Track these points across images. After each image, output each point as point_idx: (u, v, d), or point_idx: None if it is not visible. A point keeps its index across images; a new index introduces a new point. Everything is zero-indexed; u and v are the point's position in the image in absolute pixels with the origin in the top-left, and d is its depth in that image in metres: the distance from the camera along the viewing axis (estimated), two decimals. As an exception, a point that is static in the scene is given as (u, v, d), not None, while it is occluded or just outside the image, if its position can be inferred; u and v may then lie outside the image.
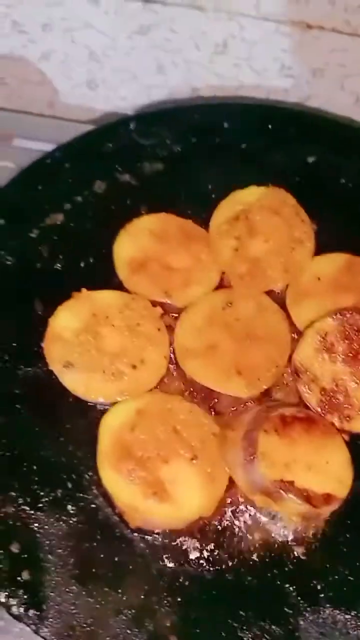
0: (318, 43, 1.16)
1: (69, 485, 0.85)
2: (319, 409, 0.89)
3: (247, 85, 1.27)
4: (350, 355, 0.91)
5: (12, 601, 0.76)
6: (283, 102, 1.26)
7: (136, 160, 1.09)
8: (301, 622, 0.77)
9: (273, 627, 0.76)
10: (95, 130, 1.13)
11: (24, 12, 1.22)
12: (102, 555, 0.80)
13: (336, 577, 0.80)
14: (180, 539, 0.82)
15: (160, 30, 1.21)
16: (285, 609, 0.78)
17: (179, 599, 0.78)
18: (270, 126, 1.14)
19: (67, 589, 0.77)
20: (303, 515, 0.82)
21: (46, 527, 0.81)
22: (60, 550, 0.80)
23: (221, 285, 1.00)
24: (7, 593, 0.76)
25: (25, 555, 0.79)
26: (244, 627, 0.76)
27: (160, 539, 0.82)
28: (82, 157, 1.08)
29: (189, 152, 1.10)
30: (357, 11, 1.11)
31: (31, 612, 0.75)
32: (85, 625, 0.75)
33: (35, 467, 0.85)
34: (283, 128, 1.13)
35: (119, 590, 0.78)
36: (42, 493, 0.83)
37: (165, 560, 0.81)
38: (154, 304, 0.97)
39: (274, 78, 1.25)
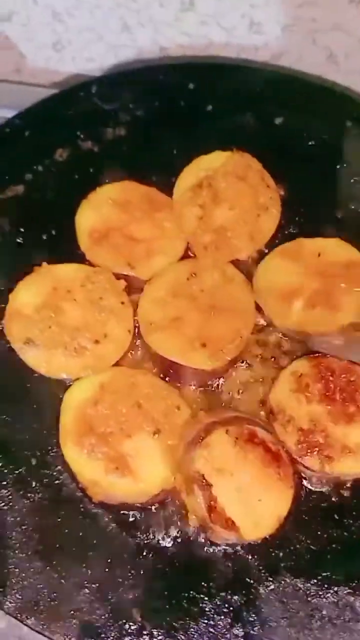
0: (287, -1, 1.12)
1: (33, 461, 0.85)
2: (296, 450, 0.85)
3: (217, 43, 1.23)
4: (327, 395, 0.88)
5: (-24, 578, 0.77)
6: (252, 62, 1.22)
7: (98, 125, 1.07)
8: (262, 591, 0.78)
9: (235, 597, 0.77)
10: (56, 95, 1.10)
11: (-18, -29, 1.18)
12: (66, 531, 0.81)
13: (297, 546, 0.81)
14: (143, 512, 0.83)
15: (125, -13, 1.17)
16: (247, 579, 0.79)
17: (141, 572, 0.79)
18: (237, 87, 1.10)
19: (31, 565, 0.78)
20: (201, 521, 0.81)
21: (10, 503, 0.82)
22: (24, 527, 0.81)
23: (186, 256, 0.99)
24: (-30, 570, 0.77)
25: (-11, 532, 0.79)
26: (206, 598, 0.77)
27: (123, 513, 0.83)
28: (42, 124, 1.06)
29: (152, 116, 1.07)
30: None
31: (-5, 588, 0.76)
32: (49, 599, 0.76)
33: (-3, 445, 0.85)
34: (250, 88, 1.10)
35: (83, 565, 0.79)
36: (5, 470, 0.84)
37: (129, 534, 0.81)
38: (118, 276, 0.95)
39: (244, 36, 1.21)
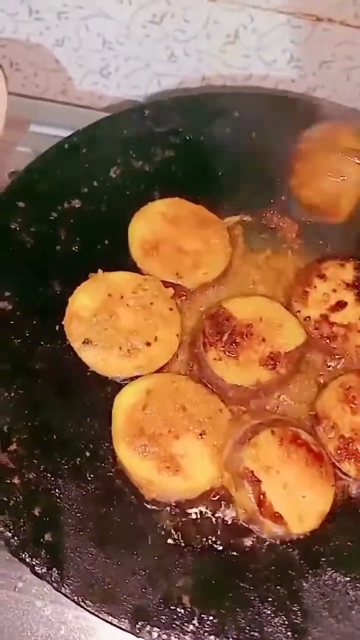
0: (326, 36, 1.20)
1: (87, 454, 0.89)
2: (335, 455, 0.90)
3: (256, 75, 1.31)
4: None
5: (36, 561, 0.81)
6: (291, 92, 1.30)
7: (150, 146, 1.13)
8: (304, 584, 0.82)
9: (278, 587, 0.82)
10: (111, 117, 1.17)
11: (41, -1, 1.26)
12: (118, 520, 0.85)
13: (337, 543, 0.85)
14: (193, 508, 0.88)
15: (174, 20, 1.24)
16: (289, 571, 0.83)
17: (190, 563, 0.83)
18: (278, 117, 1.17)
19: (86, 550, 0.82)
20: (249, 514, 0.85)
21: (66, 492, 0.86)
22: (79, 515, 0.85)
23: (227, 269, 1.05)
24: (30, 553, 0.81)
25: (47, 519, 0.83)
26: (251, 588, 0.81)
27: (173, 509, 0.88)
28: (98, 142, 1.12)
29: (200, 140, 1.14)
30: None
31: (53, 571, 0.80)
32: (103, 583, 0.80)
33: (55, 437, 0.90)
34: (291, 117, 1.17)
35: (134, 553, 0.83)
36: (62, 461, 0.88)
37: (178, 525, 0.86)
38: (166, 285, 1.01)
39: (282, 69, 1.29)
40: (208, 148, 1.13)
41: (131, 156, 1.12)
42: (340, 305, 1.01)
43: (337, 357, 1.00)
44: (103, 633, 0.89)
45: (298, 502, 0.84)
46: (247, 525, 0.86)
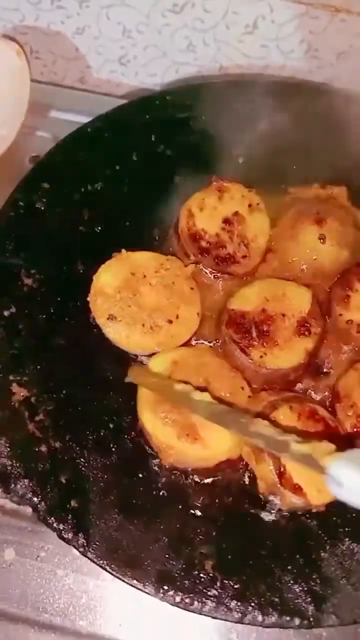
0: (344, 26, 1.22)
1: (110, 426, 0.92)
2: (352, 431, 0.93)
3: (273, 65, 1.33)
4: None
5: (62, 526, 0.83)
6: (310, 82, 1.32)
7: (171, 132, 1.16)
8: (322, 553, 0.85)
9: (297, 556, 0.84)
10: (133, 103, 1.19)
11: (64, -13, 1.28)
12: (140, 489, 0.88)
13: (354, 515, 0.88)
14: (213, 478, 0.90)
15: (194, 10, 1.26)
16: (308, 541, 0.86)
17: (212, 532, 0.86)
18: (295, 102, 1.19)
19: (110, 517, 0.85)
20: (270, 485, 0.88)
21: (91, 461, 0.89)
22: (103, 484, 0.88)
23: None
24: (57, 519, 0.83)
25: (73, 486, 0.86)
26: (271, 556, 0.84)
27: (195, 479, 0.90)
28: (120, 127, 1.14)
29: (221, 126, 1.16)
30: None
31: (79, 536, 0.83)
32: (127, 549, 0.83)
33: (79, 409, 0.93)
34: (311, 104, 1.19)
35: (157, 520, 0.86)
36: (87, 432, 0.91)
37: (199, 495, 0.89)
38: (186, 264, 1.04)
39: (300, 59, 1.31)
40: (228, 133, 1.15)
41: (152, 141, 1.14)
42: None
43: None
44: (122, 602, 0.92)
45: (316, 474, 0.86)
46: (267, 497, 0.88)
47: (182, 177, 1.12)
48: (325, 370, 1.02)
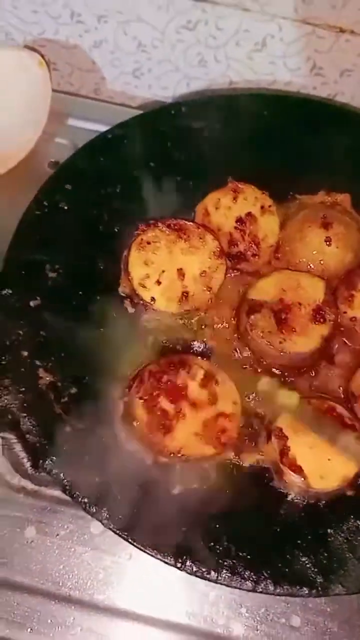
0: (348, 46, 1.31)
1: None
2: None
3: (280, 81, 1.41)
4: None
5: (87, 500, 0.90)
6: (314, 96, 1.40)
7: (185, 140, 1.23)
8: (329, 530, 0.91)
9: (306, 532, 0.90)
10: (150, 112, 1.27)
11: (84, 2, 1.35)
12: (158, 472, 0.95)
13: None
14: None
15: (207, 27, 1.34)
16: (317, 518, 0.92)
17: (226, 508, 0.92)
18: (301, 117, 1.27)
19: (131, 495, 0.91)
20: (272, 461, 0.97)
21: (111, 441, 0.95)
22: (124, 463, 0.94)
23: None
24: (84, 494, 0.90)
25: (97, 465, 0.92)
26: (282, 531, 0.90)
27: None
28: (139, 135, 1.21)
29: (234, 135, 1.23)
30: None
31: (104, 510, 0.90)
32: (148, 523, 0.89)
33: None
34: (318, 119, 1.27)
35: (176, 495, 0.92)
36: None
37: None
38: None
39: (305, 76, 1.39)
40: (242, 143, 1.22)
41: (169, 148, 1.22)
42: None
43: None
44: (138, 577, 0.98)
45: (322, 463, 0.95)
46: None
47: (197, 181, 1.19)
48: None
